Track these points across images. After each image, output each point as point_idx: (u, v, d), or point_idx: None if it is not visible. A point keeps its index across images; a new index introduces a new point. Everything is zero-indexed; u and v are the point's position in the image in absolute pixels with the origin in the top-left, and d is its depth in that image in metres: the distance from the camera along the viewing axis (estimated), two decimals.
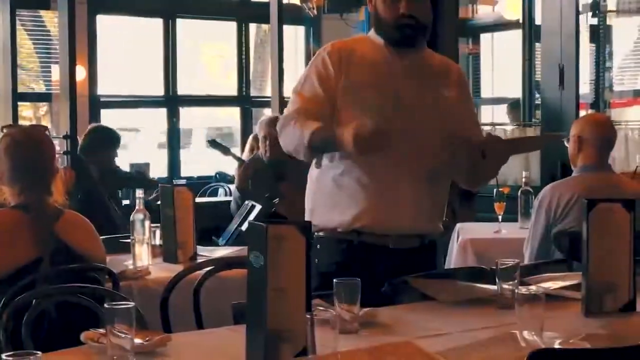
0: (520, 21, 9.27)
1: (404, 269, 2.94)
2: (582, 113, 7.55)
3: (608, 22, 9.12)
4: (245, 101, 10.01)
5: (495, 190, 5.54)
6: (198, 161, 9.96)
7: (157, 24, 9.26)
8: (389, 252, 3.10)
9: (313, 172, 3.25)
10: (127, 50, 9.28)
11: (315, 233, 3.16)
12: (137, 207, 4.01)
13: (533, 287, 2.67)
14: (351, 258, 3.09)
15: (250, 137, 8.16)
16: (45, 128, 3.70)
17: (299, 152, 3.08)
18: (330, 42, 3.22)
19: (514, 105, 9.40)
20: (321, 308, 2.39)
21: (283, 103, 8.03)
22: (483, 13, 10.25)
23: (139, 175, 7.07)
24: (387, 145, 2.90)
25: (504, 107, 9.88)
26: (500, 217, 5.42)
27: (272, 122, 6.41)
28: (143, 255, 3.98)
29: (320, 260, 3.10)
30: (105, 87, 8.67)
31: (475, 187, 3.36)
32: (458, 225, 5.83)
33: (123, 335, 2.07)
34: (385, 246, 3.10)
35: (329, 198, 3.15)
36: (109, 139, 6.23)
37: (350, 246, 3.11)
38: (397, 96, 3.11)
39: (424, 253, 3.20)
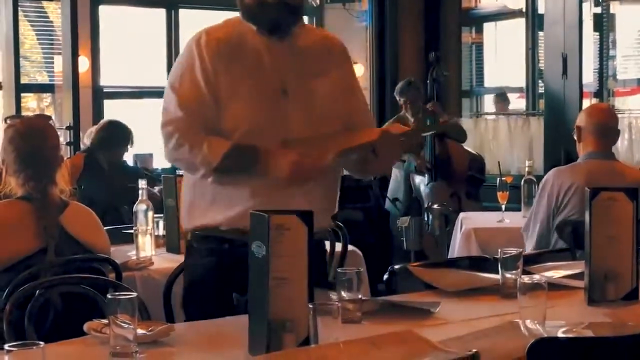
0: (524, 10, 9.25)
1: None
2: (586, 102, 7.55)
3: (611, 11, 9.09)
4: None
5: (498, 179, 5.54)
6: None
7: (159, 14, 9.24)
8: None
9: None
10: (130, 41, 9.27)
11: (193, 231, 2.85)
12: (140, 198, 4.02)
13: (536, 276, 2.67)
14: (234, 259, 2.69)
15: None
16: (49, 117, 3.71)
17: (197, 170, 2.73)
18: (203, 31, 2.84)
19: (502, 97, 9.40)
20: None
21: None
22: (486, 2, 10.22)
23: (146, 172, 7.06)
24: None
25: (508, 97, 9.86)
26: (503, 207, 5.42)
27: None
28: (146, 246, 3.99)
29: (198, 261, 2.81)
30: (108, 78, 8.66)
31: (366, 178, 3.19)
32: (461, 214, 5.84)
33: (126, 326, 2.07)
34: None
35: (211, 193, 2.79)
36: (124, 137, 6.20)
37: (233, 246, 2.76)
38: (282, 85, 2.80)
39: (316, 248, 2.81)
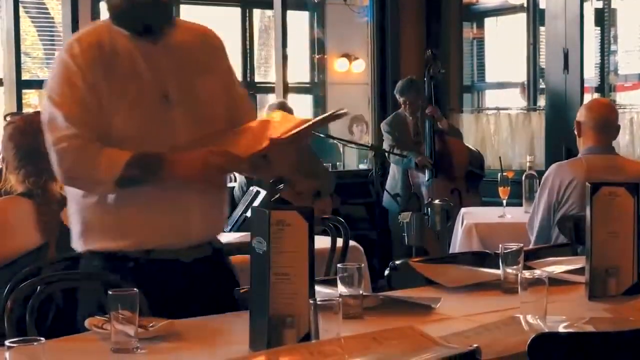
0: (525, 5, 9.24)
1: (198, 280, 2.64)
2: (587, 97, 7.55)
3: (613, 6, 9.08)
4: (249, 87, 10.00)
5: (499, 175, 5.54)
6: None
7: None
8: (182, 265, 2.68)
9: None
10: None
11: (90, 252, 2.68)
12: None
13: (537, 271, 2.67)
14: (139, 277, 2.56)
15: None
16: None
17: (99, 185, 2.57)
18: (73, 39, 2.65)
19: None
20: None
21: (287, 89, 8.03)
22: None
23: None
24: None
25: (508, 92, 9.86)
26: (504, 202, 5.42)
27: (280, 106, 6.42)
28: None
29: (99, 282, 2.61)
30: None
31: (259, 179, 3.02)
32: (463, 210, 5.85)
33: (127, 322, 2.07)
34: (176, 260, 2.67)
35: (110, 215, 2.62)
36: None
37: (138, 264, 2.63)
38: (163, 90, 2.65)
39: (216, 259, 2.79)
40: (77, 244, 2.69)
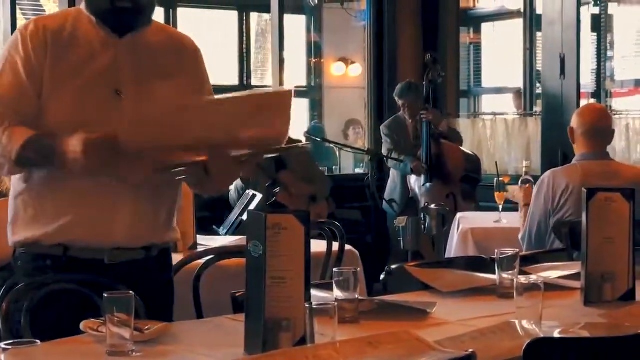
0: (522, 10, 9.26)
1: (126, 284, 2.40)
2: (584, 102, 7.55)
3: (610, 12, 9.09)
4: (246, 90, 10.00)
5: (495, 179, 5.54)
6: None
7: (158, 12, 9.22)
8: (105, 267, 2.57)
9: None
10: None
11: (17, 248, 2.64)
12: None
13: (533, 277, 2.67)
14: (58, 276, 2.53)
15: None
16: None
17: (2, 166, 2.52)
18: (32, 19, 2.60)
19: (519, 94, 9.38)
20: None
21: None
22: (484, 2, 10.23)
23: None
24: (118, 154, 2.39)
25: (505, 97, 9.87)
26: (500, 207, 5.43)
27: None
28: None
29: (18, 282, 2.54)
30: None
31: (206, 195, 2.82)
32: (459, 214, 5.85)
33: (122, 324, 2.07)
34: (100, 261, 2.58)
35: (32, 206, 2.58)
36: None
37: (57, 263, 2.57)
38: (116, 85, 2.57)
39: (153, 265, 2.70)
40: (8, 237, 2.65)
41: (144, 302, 2.42)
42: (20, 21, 8.01)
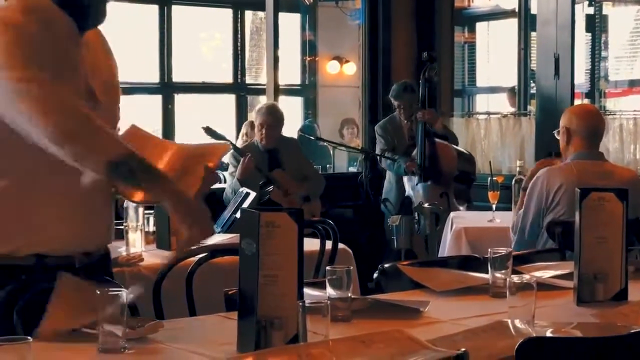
0: (516, 10, 9.27)
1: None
2: (577, 102, 7.57)
3: (604, 12, 9.11)
4: (240, 88, 10.00)
5: (489, 179, 5.55)
6: None
7: (152, 10, 9.24)
8: (75, 271, 2.46)
9: None
10: (122, 37, 9.27)
11: None
12: None
13: (525, 276, 2.67)
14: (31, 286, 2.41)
15: (245, 124, 8.16)
16: None
17: (84, 158, 2.28)
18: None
19: (512, 92, 9.38)
20: None
21: (278, 91, 8.03)
22: (479, 2, 10.25)
23: None
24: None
25: (498, 96, 9.88)
26: (494, 206, 5.44)
27: (270, 109, 6.42)
28: (136, 242, 3.98)
29: None
30: None
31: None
32: (452, 213, 5.86)
33: (114, 321, 2.07)
34: (71, 265, 2.47)
35: (2, 213, 2.42)
36: None
37: (31, 275, 2.43)
38: (90, 90, 2.46)
39: (103, 262, 2.64)
40: None
41: None
42: None
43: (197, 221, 2.28)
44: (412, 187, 6.89)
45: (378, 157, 7.25)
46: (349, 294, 2.41)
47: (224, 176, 8.04)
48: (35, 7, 2.40)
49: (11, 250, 2.42)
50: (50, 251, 2.45)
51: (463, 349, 1.83)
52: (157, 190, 2.29)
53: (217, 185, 7.99)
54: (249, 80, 10.15)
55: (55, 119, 2.23)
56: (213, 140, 6.11)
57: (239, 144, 7.42)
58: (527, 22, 9.00)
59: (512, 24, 9.38)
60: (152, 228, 4.25)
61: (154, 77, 9.36)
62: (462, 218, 5.66)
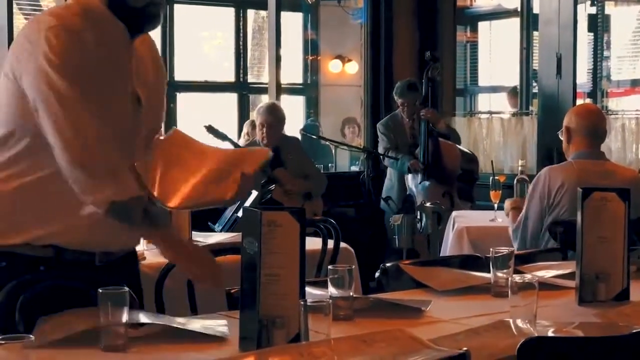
0: (519, 9, 9.27)
1: (108, 281, 2.26)
2: (580, 102, 7.56)
3: (606, 11, 9.11)
4: (242, 87, 10.00)
5: (491, 178, 5.54)
6: None
7: None
8: (95, 268, 2.50)
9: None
10: None
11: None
12: None
13: (527, 276, 2.67)
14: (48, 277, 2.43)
15: (246, 123, 8.16)
16: None
17: (95, 189, 2.33)
18: (50, 13, 2.39)
19: (513, 92, 9.38)
20: None
21: (280, 90, 8.03)
22: (481, 1, 10.24)
23: None
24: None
25: (501, 96, 9.88)
26: (496, 206, 5.43)
27: (270, 109, 6.42)
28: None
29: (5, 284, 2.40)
30: None
31: None
32: (454, 213, 5.85)
33: (118, 320, 2.07)
34: (90, 262, 2.50)
35: (22, 204, 2.42)
36: None
37: (49, 266, 2.45)
38: (135, 95, 2.47)
39: (127, 261, 2.65)
40: None
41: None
42: (18, 17, 8.00)
43: (195, 265, 2.45)
44: (416, 185, 6.89)
45: (380, 156, 7.25)
46: (351, 293, 2.41)
47: None
48: (92, 12, 2.41)
49: (28, 240, 2.43)
50: (67, 244, 2.45)
51: (465, 349, 1.84)
52: (149, 235, 2.49)
53: None
54: (251, 79, 10.15)
55: (72, 145, 2.29)
56: (216, 140, 6.13)
57: (241, 143, 7.42)
58: (529, 21, 9.00)
59: (515, 23, 9.38)
60: None
61: None
62: (464, 217, 5.65)
